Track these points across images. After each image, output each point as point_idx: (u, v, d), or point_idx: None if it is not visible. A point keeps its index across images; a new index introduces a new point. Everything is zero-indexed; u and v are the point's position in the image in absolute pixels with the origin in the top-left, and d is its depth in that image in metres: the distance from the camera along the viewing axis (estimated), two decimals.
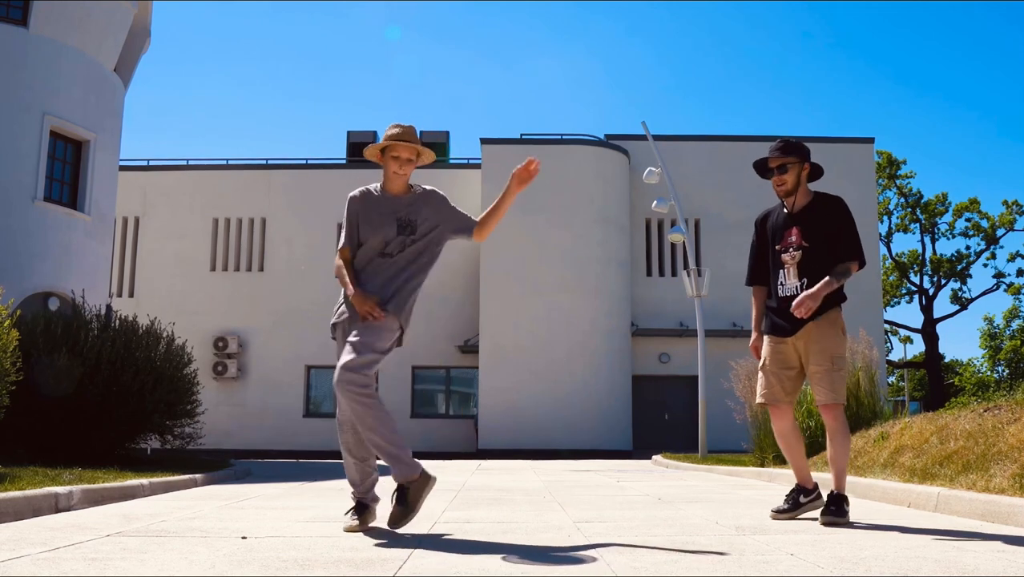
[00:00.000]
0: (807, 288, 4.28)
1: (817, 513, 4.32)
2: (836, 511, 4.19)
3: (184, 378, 10.12)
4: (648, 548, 3.41)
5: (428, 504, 5.53)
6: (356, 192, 4.22)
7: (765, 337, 4.52)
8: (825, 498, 4.32)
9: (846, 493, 4.32)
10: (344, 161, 26.54)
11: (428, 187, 4.26)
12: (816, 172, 4.50)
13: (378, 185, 4.20)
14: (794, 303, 4.17)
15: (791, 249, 4.36)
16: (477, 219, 4.19)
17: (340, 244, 4.18)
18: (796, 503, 4.45)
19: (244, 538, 3.73)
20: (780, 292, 4.43)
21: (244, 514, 4.94)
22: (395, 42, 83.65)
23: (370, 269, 4.09)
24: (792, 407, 4.49)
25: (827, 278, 4.23)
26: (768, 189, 20.56)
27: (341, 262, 4.15)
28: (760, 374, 4.51)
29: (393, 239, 4.06)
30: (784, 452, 4.58)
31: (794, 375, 4.45)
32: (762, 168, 4.52)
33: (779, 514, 4.43)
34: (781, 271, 4.42)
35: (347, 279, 4.06)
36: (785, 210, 4.48)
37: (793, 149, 4.41)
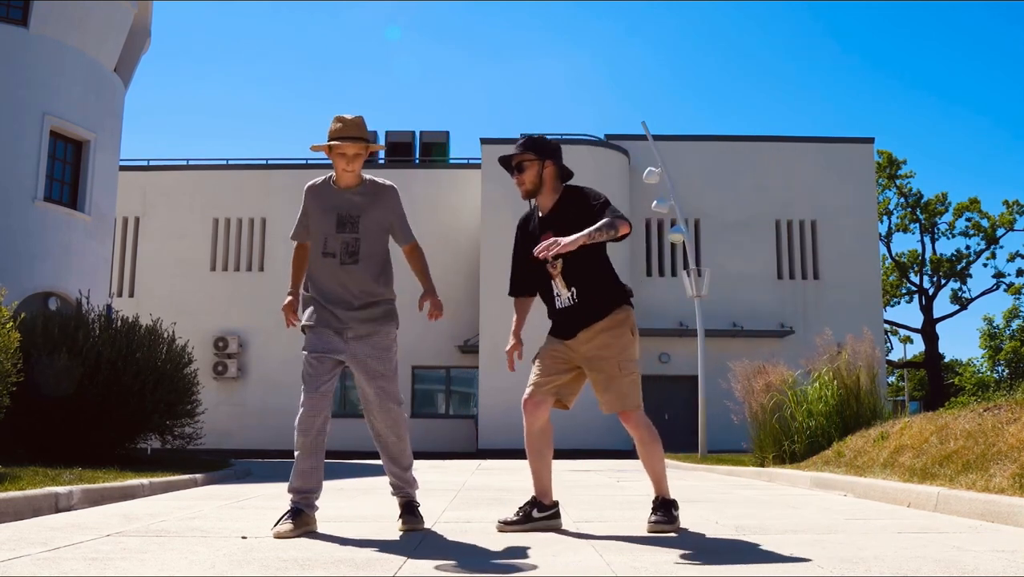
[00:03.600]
0: (579, 296, 3.91)
1: (551, 533, 3.87)
2: (663, 517, 3.91)
3: (184, 378, 10.11)
4: (648, 548, 3.41)
5: (428, 504, 5.54)
6: (312, 182, 4.12)
7: (548, 336, 4.09)
8: (651, 504, 4.03)
9: (671, 497, 4.02)
10: None
11: (385, 183, 4.10)
12: (565, 173, 4.08)
13: (332, 175, 4.07)
14: (537, 248, 3.69)
15: (549, 261, 3.85)
16: (411, 245, 4.11)
17: (291, 233, 4.16)
18: (528, 516, 3.95)
19: (244, 538, 3.73)
20: (557, 304, 3.99)
21: (244, 514, 4.94)
22: (395, 42, 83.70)
23: (320, 271, 3.98)
24: (549, 406, 4.01)
25: (589, 230, 3.69)
26: (767, 188, 20.65)
27: (295, 255, 4.16)
28: (535, 366, 4.05)
29: (332, 235, 3.94)
30: (531, 456, 4.03)
31: (568, 374, 4.00)
32: (507, 169, 4.09)
33: (507, 525, 3.94)
34: (552, 283, 3.96)
35: (292, 279, 4.12)
36: (538, 214, 4.06)
37: (531, 146, 4.00)
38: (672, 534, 3.85)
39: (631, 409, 3.94)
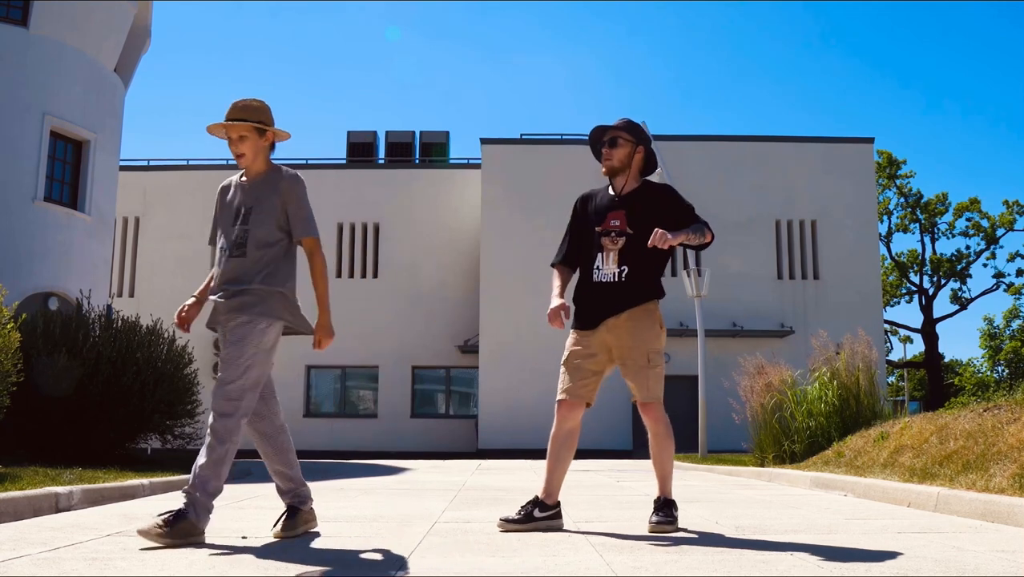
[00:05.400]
0: (627, 276, 3.93)
1: (550, 532, 3.90)
2: (665, 517, 3.91)
3: (184, 378, 10.12)
4: (648, 548, 3.41)
5: (428, 504, 5.54)
6: (223, 183, 3.95)
7: (572, 331, 4.08)
8: (653, 504, 4.05)
9: (672, 497, 4.04)
10: (344, 161, 26.55)
11: (289, 172, 3.81)
12: (650, 165, 4.14)
13: (242, 173, 3.89)
14: (653, 236, 3.72)
15: (613, 234, 3.94)
16: (308, 243, 3.75)
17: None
18: (530, 516, 3.94)
19: (244, 538, 3.73)
20: (595, 277, 3.99)
21: (244, 514, 4.94)
22: (395, 42, 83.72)
23: (222, 264, 3.78)
24: (583, 411, 4.03)
25: (687, 230, 3.84)
26: (767, 188, 20.63)
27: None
28: (562, 368, 4.04)
29: (230, 229, 3.75)
30: (551, 455, 4.05)
31: (599, 375, 4.02)
32: (596, 141, 4.14)
33: (508, 525, 3.92)
34: (599, 255, 3.98)
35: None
36: (611, 192, 4.11)
37: (630, 127, 4.09)
38: (673, 534, 3.85)
39: (653, 401, 3.97)
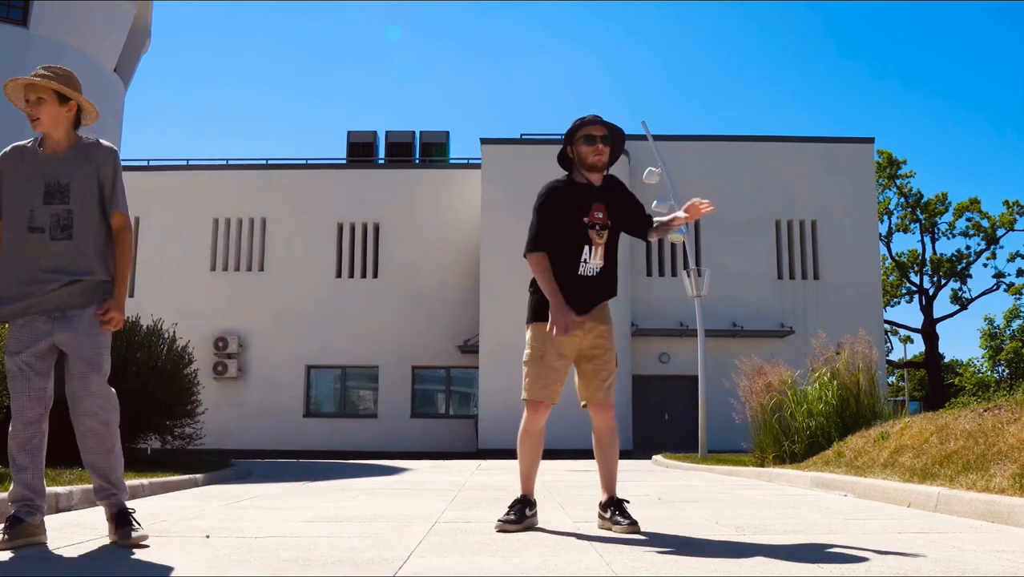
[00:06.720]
0: (603, 271, 3.99)
1: (551, 533, 3.92)
2: (631, 518, 3.93)
3: (184, 378, 10.12)
4: (648, 548, 3.41)
5: (428, 504, 5.54)
6: (12, 146, 3.65)
7: (537, 324, 4.01)
8: (602, 505, 4.07)
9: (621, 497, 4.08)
10: (344, 161, 26.55)
11: (102, 143, 3.62)
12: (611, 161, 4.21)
13: (39, 140, 3.64)
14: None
15: (598, 227, 3.97)
16: (121, 218, 3.64)
17: None
18: (523, 515, 4.01)
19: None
20: (581, 270, 3.95)
21: (244, 514, 4.94)
22: (395, 42, 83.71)
23: (21, 248, 3.46)
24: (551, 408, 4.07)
25: (666, 219, 4.24)
26: (767, 188, 20.57)
27: None
28: (534, 366, 3.98)
29: (39, 208, 3.46)
30: (524, 454, 4.10)
31: (565, 372, 4.03)
32: (588, 129, 4.03)
33: (506, 525, 3.94)
34: (587, 247, 3.96)
35: None
36: (585, 184, 4.07)
37: (614, 130, 4.14)
38: (641, 533, 3.85)
39: (613, 403, 4.09)
